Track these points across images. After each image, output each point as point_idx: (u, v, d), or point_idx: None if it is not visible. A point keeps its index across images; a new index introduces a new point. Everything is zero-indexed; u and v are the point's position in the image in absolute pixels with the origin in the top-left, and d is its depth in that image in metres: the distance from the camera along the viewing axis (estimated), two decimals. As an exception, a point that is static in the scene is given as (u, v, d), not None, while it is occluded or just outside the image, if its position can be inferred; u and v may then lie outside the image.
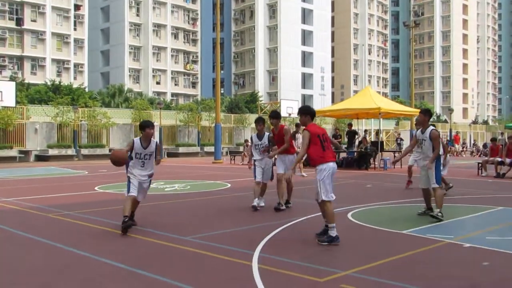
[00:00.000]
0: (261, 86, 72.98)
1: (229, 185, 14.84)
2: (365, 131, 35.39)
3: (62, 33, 57.64)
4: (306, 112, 7.07)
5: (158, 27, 68.19)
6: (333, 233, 6.52)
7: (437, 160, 8.60)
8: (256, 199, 9.38)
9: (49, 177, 18.85)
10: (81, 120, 33.97)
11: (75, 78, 57.05)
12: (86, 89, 50.51)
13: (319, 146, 6.69)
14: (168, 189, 13.64)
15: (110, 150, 33.71)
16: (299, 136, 15.32)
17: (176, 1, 69.76)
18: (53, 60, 56.83)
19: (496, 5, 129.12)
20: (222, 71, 72.76)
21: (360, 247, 6.73)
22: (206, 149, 38.14)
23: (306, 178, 16.05)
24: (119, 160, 7.42)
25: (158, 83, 68.60)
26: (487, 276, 5.29)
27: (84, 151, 32.23)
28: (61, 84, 45.77)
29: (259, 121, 9.51)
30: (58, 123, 32.89)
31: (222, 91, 66.35)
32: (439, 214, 8.28)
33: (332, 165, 6.68)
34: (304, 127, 7.04)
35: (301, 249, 6.46)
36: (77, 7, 59.90)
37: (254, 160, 9.59)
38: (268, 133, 9.50)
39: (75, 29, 59.52)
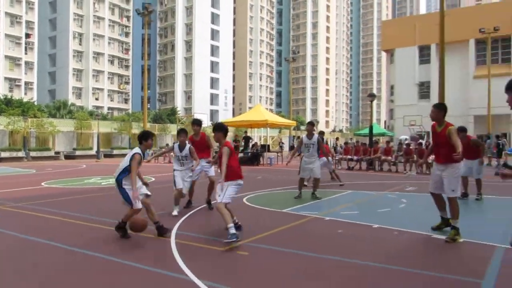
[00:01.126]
0: (179, 103, 72.26)
1: (154, 178, 14.25)
2: (259, 137, 36.56)
3: (14, 56, 53.38)
4: (220, 129, 5.66)
5: (97, 54, 65.21)
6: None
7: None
8: (177, 207, 7.38)
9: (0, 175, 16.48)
10: (30, 128, 31.93)
11: (25, 94, 53.03)
12: (35, 103, 47.30)
13: (236, 161, 5.78)
14: (104, 183, 12.76)
15: (56, 152, 31.90)
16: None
17: (112, 34, 67.15)
18: (5, 78, 52.45)
19: (349, 48, 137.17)
20: (149, 91, 71.19)
21: (252, 222, 6.57)
22: (136, 151, 37.31)
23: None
24: (140, 228, 5.31)
25: (97, 99, 65.50)
26: (340, 240, 5.53)
27: (33, 154, 29.97)
28: (13, 98, 42.46)
29: (181, 133, 7.41)
30: (9, 130, 30.69)
31: (148, 106, 65.27)
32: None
33: (241, 182, 5.65)
34: (223, 144, 5.57)
35: (208, 227, 6.32)
36: (28, 35, 55.82)
37: (174, 170, 7.52)
38: (189, 145, 7.45)
39: (26, 53, 55.44)
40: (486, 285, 3.82)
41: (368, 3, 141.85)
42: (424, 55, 45.51)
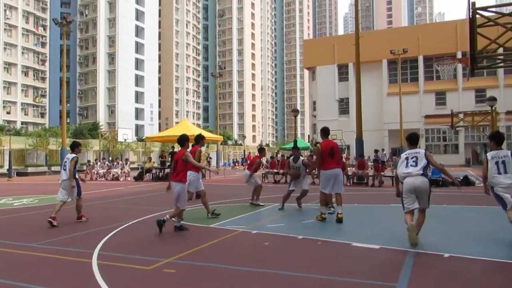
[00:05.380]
0: (102, 117, 69.17)
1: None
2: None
3: None
4: (184, 140, 7.15)
5: (9, 65, 60.49)
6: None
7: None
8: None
9: None
10: None
11: None
12: None
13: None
14: (17, 204, 11.76)
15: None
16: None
17: (26, 44, 62.77)
18: None
19: (273, 65, 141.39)
20: (68, 104, 67.66)
21: (179, 239, 6.55)
22: (54, 168, 35.05)
23: (151, 189, 15.89)
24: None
25: (8, 113, 60.49)
26: (267, 252, 5.61)
27: None
28: None
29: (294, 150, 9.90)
30: None
31: (68, 121, 61.78)
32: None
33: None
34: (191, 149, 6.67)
35: (133, 246, 6.08)
36: None
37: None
38: (302, 158, 9.54)
39: None
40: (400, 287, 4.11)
41: (290, 22, 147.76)
42: (342, 73, 48.30)
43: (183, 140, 7.26)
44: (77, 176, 8.37)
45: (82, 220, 8.33)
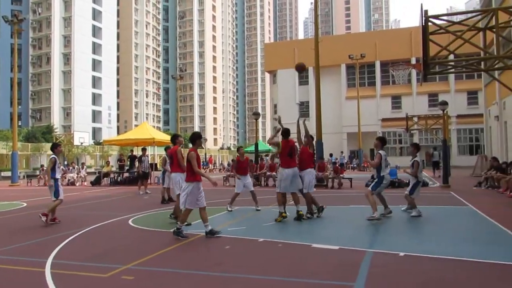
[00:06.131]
0: (56, 120, 66.51)
1: (25, 204, 12.81)
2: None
3: None
4: (196, 137, 6.85)
5: (-45, 64, 57.32)
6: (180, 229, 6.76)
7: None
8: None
9: None
10: None
11: None
12: None
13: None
14: None
15: None
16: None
17: (-27, 43, 59.75)
18: None
19: (235, 68, 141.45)
20: (19, 106, 64.47)
21: (138, 245, 6.42)
22: (4, 174, 33.42)
23: (103, 194, 15.41)
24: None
25: (-46, 114, 57.33)
26: (228, 255, 5.57)
27: None
28: None
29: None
30: None
31: (19, 124, 58.96)
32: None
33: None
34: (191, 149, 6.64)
35: (89, 253, 5.89)
36: None
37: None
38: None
39: None
40: (358, 287, 4.20)
41: (252, 25, 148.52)
42: (303, 77, 49.03)
43: (195, 137, 6.92)
44: (57, 177, 8.61)
45: (55, 223, 8.50)
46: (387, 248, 5.84)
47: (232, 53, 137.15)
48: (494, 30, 7.52)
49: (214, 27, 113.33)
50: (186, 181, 6.83)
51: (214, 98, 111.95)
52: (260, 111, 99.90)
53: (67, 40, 69.20)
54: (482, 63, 13.43)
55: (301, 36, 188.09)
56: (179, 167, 8.28)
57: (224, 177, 20.83)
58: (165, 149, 11.31)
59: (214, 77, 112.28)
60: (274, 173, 18.77)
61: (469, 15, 8.87)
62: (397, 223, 8.06)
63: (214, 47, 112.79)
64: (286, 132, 8.54)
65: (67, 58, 69.04)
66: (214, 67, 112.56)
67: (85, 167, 25.70)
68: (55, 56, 67.90)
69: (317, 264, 5.12)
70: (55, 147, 8.74)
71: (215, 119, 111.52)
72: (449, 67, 9.69)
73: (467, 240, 6.41)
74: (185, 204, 6.73)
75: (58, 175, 8.64)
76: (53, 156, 8.57)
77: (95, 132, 69.74)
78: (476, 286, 4.22)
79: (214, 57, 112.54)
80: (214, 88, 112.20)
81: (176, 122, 52.30)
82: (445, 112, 17.79)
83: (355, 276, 4.53)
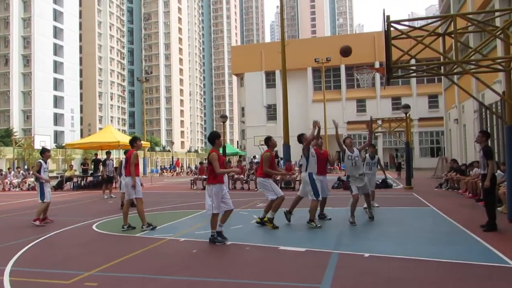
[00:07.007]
0: (16, 123, 63.94)
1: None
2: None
3: None
4: (215, 137, 6.51)
5: None
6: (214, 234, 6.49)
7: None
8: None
9: None
10: None
11: None
12: None
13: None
14: None
15: None
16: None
17: None
18: None
19: (201, 71, 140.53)
20: (-25, 109, 61.68)
21: (102, 250, 6.32)
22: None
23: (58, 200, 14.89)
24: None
25: None
26: (195, 259, 5.55)
27: None
28: None
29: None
30: None
31: (-25, 127, 56.30)
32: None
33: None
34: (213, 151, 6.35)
35: (51, 259, 5.74)
36: None
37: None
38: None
39: None
40: (324, 288, 4.26)
41: (218, 28, 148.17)
42: (270, 80, 49.37)
43: (213, 137, 6.58)
44: (43, 181, 8.97)
45: (46, 223, 8.93)
46: (352, 249, 5.95)
47: (199, 55, 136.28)
48: (453, 35, 7.80)
49: (180, 30, 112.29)
50: (207, 184, 6.52)
51: (181, 101, 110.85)
52: (227, 114, 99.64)
53: (26, 41, 66.79)
54: (442, 67, 13.97)
55: (267, 39, 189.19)
56: (136, 171, 7.96)
57: (191, 180, 20.76)
58: (125, 153, 10.96)
59: (181, 80, 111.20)
60: (241, 175, 18.64)
61: (429, 20, 9.17)
62: (362, 225, 8.22)
63: (180, 49, 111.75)
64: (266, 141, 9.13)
65: (26, 60, 66.63)
66: (181, 70, 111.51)
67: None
68: (13, 58, 65.39)
69: (284, 266, 5.15)
70: (43, 152, 9.24)
71: (182, 122, 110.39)
72: (411, 71, 9.98)
73: (428, 240, 6.60)
74: (212, 209, 6.40)
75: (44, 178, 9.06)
76: (40, 160, 9.13)
77: (58, 135, 67.64)
78: (434, 284, 4.35)
79: (180, 60, 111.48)
80: (181, 90, 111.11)
81: (142, 125, 51.44)
82: (407, 115, 18.30)
83: (321, 277, 4.58)
